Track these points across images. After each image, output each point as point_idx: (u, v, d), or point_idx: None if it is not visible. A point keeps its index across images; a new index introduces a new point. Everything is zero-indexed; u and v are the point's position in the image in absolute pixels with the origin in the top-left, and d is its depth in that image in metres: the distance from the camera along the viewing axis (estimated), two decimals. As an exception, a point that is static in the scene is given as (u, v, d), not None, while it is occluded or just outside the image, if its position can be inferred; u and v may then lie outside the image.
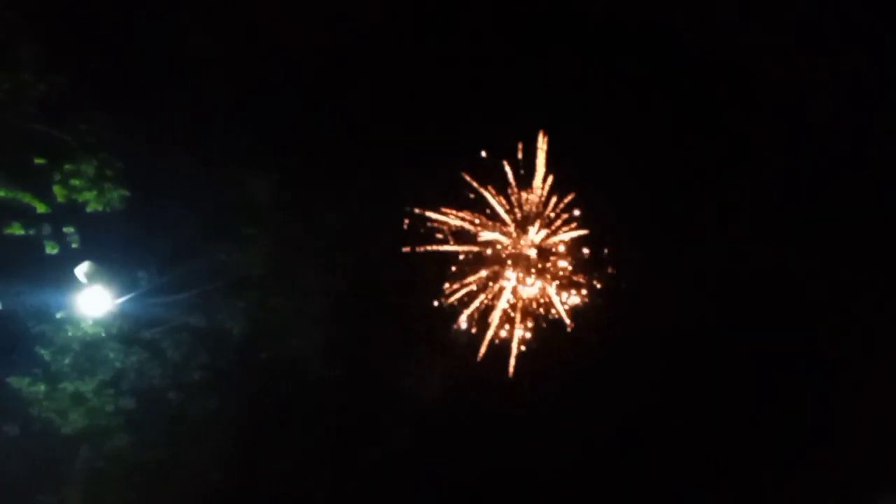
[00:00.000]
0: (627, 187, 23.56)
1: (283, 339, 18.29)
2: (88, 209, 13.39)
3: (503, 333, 25.97)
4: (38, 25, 13.09)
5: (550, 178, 25.58)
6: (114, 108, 14.34)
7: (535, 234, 26.24)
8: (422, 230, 24.85)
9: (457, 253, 25.80)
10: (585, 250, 26.07)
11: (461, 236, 25.80)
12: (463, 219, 25.61)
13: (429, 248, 24.77)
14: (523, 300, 26.09)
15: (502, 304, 25.97)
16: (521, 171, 25.61)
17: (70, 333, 14.03)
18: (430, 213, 24.85)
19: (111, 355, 14.55)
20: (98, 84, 14.60)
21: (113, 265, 14.07)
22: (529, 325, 26.02)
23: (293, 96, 19.93)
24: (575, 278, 25.81)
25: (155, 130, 16.04)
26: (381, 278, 22.74)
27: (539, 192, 25.75)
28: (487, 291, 26.21)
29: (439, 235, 25.21)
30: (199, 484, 17.61)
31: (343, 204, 20.08)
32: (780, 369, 21.23)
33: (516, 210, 26.94)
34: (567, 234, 26.34)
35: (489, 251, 26.47)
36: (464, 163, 24.71)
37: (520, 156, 25.41)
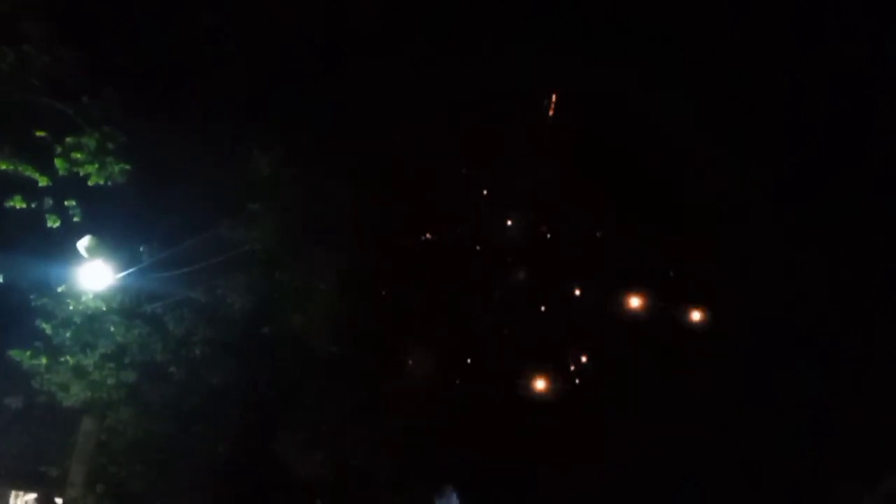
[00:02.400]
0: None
1: (286, 314, 18.30)
2: (90, 183, 13.32)
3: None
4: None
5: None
6: (117, 81, 14.25)
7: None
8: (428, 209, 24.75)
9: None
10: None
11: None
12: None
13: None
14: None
15: None
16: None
17: (71, 307, 14.08)
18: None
19: (112, 329, 14.57)
20: (102, 57, 14.46)
21: (115, 239, 14.05)
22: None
23: (299, 70, 19.74)
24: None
25: (158, 104, 15.92)
26: (388, 254, 22.72)
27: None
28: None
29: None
30: (204, 457, 17.78)
31: (349, 178, 19.97)
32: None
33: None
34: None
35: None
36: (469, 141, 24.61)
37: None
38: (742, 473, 21.03)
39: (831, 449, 19.45)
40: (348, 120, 20.08)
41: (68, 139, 12.82)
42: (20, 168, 12.46)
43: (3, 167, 12.38)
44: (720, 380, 21.83)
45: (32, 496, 17.10)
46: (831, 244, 20.23)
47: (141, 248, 15.05)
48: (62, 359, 14.25)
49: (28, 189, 12.69)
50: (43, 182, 12.63)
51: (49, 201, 12.77)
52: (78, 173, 13.03)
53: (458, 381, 23.87)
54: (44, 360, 14.14)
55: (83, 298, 14.08)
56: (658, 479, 21.47)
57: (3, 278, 12.83)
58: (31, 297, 14.05)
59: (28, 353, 14.05)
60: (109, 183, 13.28)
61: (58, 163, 12.74)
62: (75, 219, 13.09)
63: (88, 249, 13.41)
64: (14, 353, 14.04)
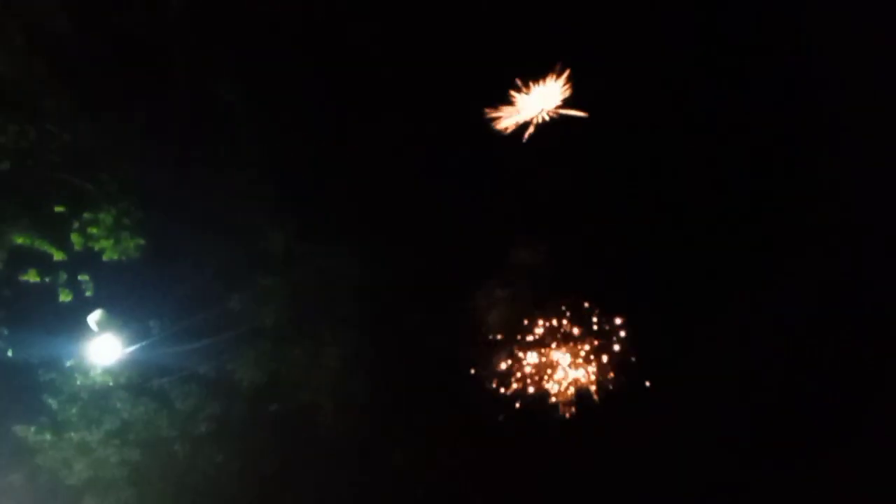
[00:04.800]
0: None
1: (294, 390, 18.11)
2: (105, 258, 13.39)
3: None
4: (65, 76, 13.32)
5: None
6: (135, 156, 14.51)
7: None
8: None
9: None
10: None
11: None
12: None
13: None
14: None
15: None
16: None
17: (79, 382, 14.01)
18: None
19: (119, 405, 14.46)
20: (121, 133, 14.77)
21: (125, 313, 14.05)
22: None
23: (311, 147, 20.11)
24: None
25: (174, 179, 16.17)
26: (397, 330, 22.56)
27: None
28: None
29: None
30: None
31: (359, 255, 20.06)
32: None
33: None
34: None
35: None
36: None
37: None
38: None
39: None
40: (361, 194, 20.29)
41: (85, 214, 12.95)
42: (36, 242, 12.55)
43: (20, 241, 12.48)
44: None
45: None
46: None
47: (151, 322, 15.02)
48: (67, 435, 14.07)
49: (43, 263, 12.74)
50: (59, 257, 12.70)
51: (63, 275, 12.81)
52: (93, 248, 13.11)
53: (466, 455, 23.29)
54: (48, 436, 13.96)
55: (91, 373, 14.01)
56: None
57: (13, 353, 12.76)
58: (40, 371, 13.97)
59: (33, 428, 13.90)
60: (124, 258, 13.34)
61: (74, 237, 12.84)
62: (88, 293, 13.10)
63: (99, 323, 13.41)
64: (19, 429, 13.88)
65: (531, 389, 25.81)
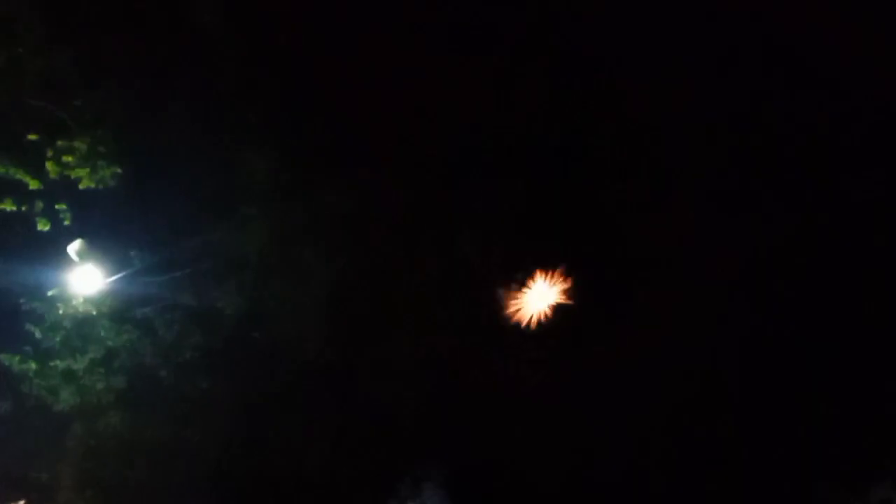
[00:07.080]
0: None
1: (278, 319, 18.22)
2: (81, 186, 13.33)
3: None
4: (38, 1, 12.98)
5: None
6: (109, 82, 14.24)
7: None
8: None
9: None
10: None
11: None
12: None
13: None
14: None
15: None
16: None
17: (61, 311, 14.10)
18: None
19: (103, 333, 14.59)
20: (96, 58, 14.45)
21: (106, 243, 14.05)
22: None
23: (297, 73, 19.67)
24: None
25: (153, 107, 15.90)
26: (383, 260, 22.59)
27: None
28: None
29: None
30: (194, 461, 17.68)
31: (346, 185, 19.89)
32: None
33: None
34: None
35: None
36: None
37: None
38: (724, 476, 20.86)
39: (815, 452, 19.32)
40: (345, 118, 19.97)
41: (60, 142, 12.85)
42: (11, 171, 12.48)
43: (-7, 170, 12.39)
44: (703, 379, 21.59)
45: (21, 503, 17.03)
46: (832, 244, 19.95)
47: (132, 252, 15.02)
48: (52, 363, 14.24)
49: (18, 192, 12.71)
50: (34, 185, 12.65)
51: (40, 204, 12.81)
52: (69, 176, 13.04)
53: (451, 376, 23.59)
54: (33, 365, 14.14)
55: (73, 302, 14.10)
56: (642, 477, 21.29)
57: (-7, 282, 12.84)
58: (21, 300, 14.06)
59: (17, 357, 14.06)
60: (100, 186, 13.29)
61: (49, 166, 12.79)
62: (66, 222, 13.12)
63: (79, 253, 13.43)
64: (3, 357, 14.03)
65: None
